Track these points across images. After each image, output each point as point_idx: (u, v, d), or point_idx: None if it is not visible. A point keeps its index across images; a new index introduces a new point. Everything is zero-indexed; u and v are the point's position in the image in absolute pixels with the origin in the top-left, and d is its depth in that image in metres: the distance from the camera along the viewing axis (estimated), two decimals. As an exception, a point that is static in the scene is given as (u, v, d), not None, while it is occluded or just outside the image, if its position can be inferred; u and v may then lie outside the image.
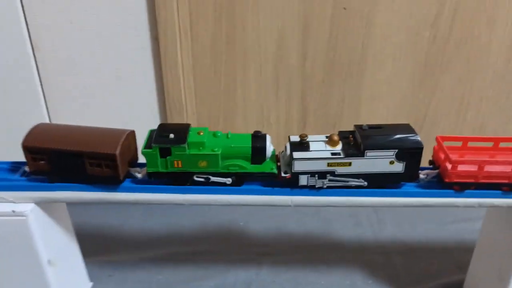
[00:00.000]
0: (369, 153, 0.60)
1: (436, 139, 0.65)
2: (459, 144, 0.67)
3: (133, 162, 0.65)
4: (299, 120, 1.03)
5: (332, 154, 0.61)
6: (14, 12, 0.87)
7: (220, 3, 0.89)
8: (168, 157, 0.60)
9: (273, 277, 0.84)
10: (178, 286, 0.81)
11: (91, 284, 0.82)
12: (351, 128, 0.64)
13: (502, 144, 0.67)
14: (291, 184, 0.62)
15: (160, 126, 0.63)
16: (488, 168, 0.61)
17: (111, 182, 0.62)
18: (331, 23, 0.92)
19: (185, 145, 0.59)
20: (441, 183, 0.63)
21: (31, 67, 0.91)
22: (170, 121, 0.98)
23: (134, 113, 0.98)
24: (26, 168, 0.64)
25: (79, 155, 0.60)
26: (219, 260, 0.87)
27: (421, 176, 0.64)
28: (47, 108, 0.97)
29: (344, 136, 0.63)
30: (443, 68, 0.97)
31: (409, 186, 0.64)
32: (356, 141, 0.62)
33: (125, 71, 0.94)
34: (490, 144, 0.67)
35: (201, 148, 0.60)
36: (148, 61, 0.93)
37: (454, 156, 0.61)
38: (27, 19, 0.88)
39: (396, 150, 0.59)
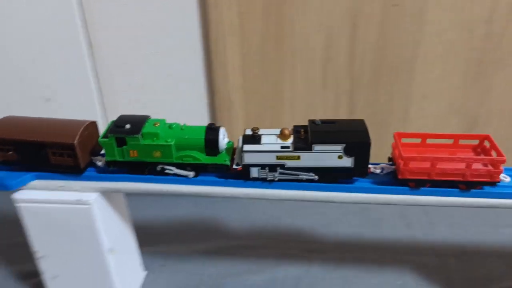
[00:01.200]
0: (316, 147, 0.60)
1: (394, 135, 0.65)
2: (418, 141, 0.66)
3: (96, 152, 0.68)
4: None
5: (282, 147, 0.61)
6: (72, 10, 0.91)
7: (269, 2, 0.90)
8: (124, 147, 0.63)
9: (323, 274, 0.83)
10: (230, 279, 0.82)
11: (145, 273, 0.84)
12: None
13: (462, 142, 0.65)
14: (243, 176, 0.63)
15: (119, 117, 0.66)
16: (442, 165, 0.60)
17: (73, 171, 0.66)
18: (381, 21, 0.91)
19: (139, 136, 0.62)
20: (396, 180, 0.63)
21: (86, 65, 0.96)
22: (219, 118, 0.99)
23: (185, 110, 1.00)
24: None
25: (42, 146, 0.64)
26: (268, 255, 0.87)
27: (376, 170, 0.64)
28: (103, 104, 1.01)
29: (297, 130, 0.64)
30: (497, 66, 0.95)
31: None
32: (306, 135, 0.62)
33: (177, 69, 0.97)
34: (450, 141, 0.66)
35: (155, 138, 0.63)
36: (199, 60, 0.96)
37: (406, 153, 0.61)
38: (86, 17, 0.92)
39: (344, 145, 0.60)
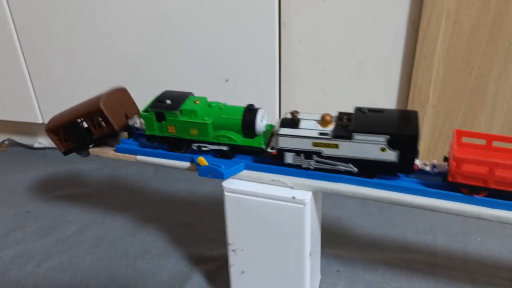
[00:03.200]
0: (357, 136, 0.55)
1: (453, 133, 0.57)
2: (483, 142, 0.57)
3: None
4: None
5: (320, 134, 0.58)
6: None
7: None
8: (163, 122, 0.63)
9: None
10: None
11: (319, 277, 0.77)
12: None
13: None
14: (278, 161, 0.60)
15: (163, 92, 0.66)
16: (502, 173, 0.51)
17: (112, 137, 0.69)
18: None
19: (177, 112, 0.62)
20: (446, 182, 0.55)
21: (273, 47, 0.90)
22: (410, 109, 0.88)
23: (368, 102, 0.90)
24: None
25: (78, 122, 0.68)
26: (460, 278, 0.76)
27: (426, 168, 0.58)
28: (279, 88, 0.95)
29: (340, 117, 0.59)
30: None
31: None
32: (349, 123, 0.57)
33: (369, 56, 0.87)
34: None
35: (193, 116, 0.62)
36: (398, 47, 0.85)
37: (460, 153, 0.54)
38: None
39: (388, 136, 0.54)
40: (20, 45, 1.07)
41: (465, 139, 0.58)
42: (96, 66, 1.04)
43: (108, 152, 0.70)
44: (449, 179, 0.54)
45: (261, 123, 0.61)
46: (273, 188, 0.60)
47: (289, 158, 0.60)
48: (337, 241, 0.86)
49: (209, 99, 0.66)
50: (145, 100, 0.68)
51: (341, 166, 0.58)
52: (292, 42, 0.89)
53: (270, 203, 0.60)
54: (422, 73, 0.84)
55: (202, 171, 0.62)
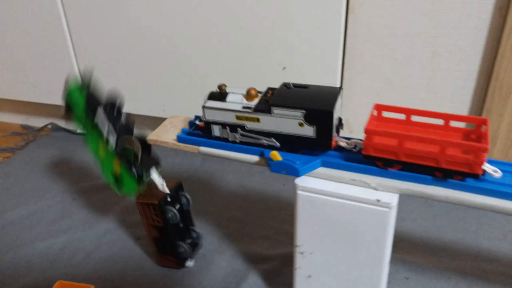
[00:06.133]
0: (276, 110, 0.56)
1: (373, 106, 0.57)
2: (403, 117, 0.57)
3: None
4: None
5: (243, 107, 0.58)
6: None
7: None
8: None
9: None
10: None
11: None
12: None
13: (453, 124, 0.55)
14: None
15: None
16: (411, 145, 0.52)
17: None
18: None
19: None
20: (362, 156, 0.55)
21: (338, 33, 0.83)
22: (489, 105, 0.81)
23: (444, 92, 0.84)
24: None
25: None
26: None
27: (342, 144, 0.58)
28: (342, 77, 0.89)
29: (266, 92, 0.60)
30: None
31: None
32: (272, 98, 0.58)
33: (447, 45, 0.80)
34: (440, 122, 0.56)
35: None
36: (480, 36, 0.78)
37: (371, 126, 0.53)
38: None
39: (304, 111, 0.55)
40: (69, 28, 1.03)
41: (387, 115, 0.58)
42: (147, 54, 1.00)
43: (168, 141, 0.66)
44: (363, 152, 0.55)
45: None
46: (354, 189, 0.55)
47: (216, 130, 0.61)
48: (402, 244, 0.80)
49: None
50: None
51: (264, 140, 0.59)
52: (360, 28, 0.83)
53: (350, 204, 0.55)
54: (507, 66, 0.76)
55: (275, 167, 0.56)
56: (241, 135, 0.60)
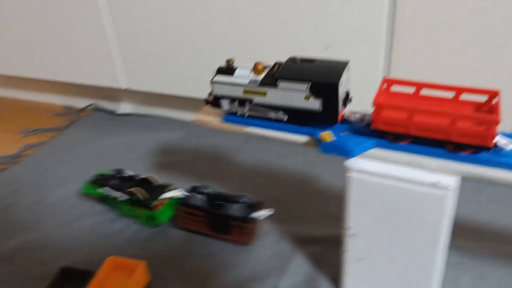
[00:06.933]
0: (281, 84, 0.57)
1: (381, 81, 0.56)
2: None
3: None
4: None
5: (250, 81, 0.59)
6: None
7: None
8: None
9: None
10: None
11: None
12: None
13: (464, 96, 0.54)
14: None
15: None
16: (421, 119, 0.51)
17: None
18: None
19: None
20: (371, 130, 0.54)
21: (382, 8, 0.80)
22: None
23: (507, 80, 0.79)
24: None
25: None
26: None
27: (350, 117, 0.58)
28: (390, 58, 0.85)
29: (273, 67, 0.60)
30: None
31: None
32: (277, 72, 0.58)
33: (503, 29, 0.74)
34: (451, 95, 0.54)
35: None
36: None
37: (379, 99, 0.53)
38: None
39: (309, 84, 0.55)
40: (110, 10, 1.03)
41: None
42: (184, 31, 0.99)
43: (213, 121, 0.65)
44: (372, 126, 0.54)
45: None
46: (409, 171, 0.52)
47: (225, 105, 0.62)
48: (454, 228, 0.77)
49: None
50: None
51: (272, 114, 0.59)
52: (410, 3, 0.78)
53: (405, 187, 0.52)
54: None
55: (326, 148, 0.55)
56: (249, 109, 0.60)
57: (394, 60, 0.84)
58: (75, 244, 0.79)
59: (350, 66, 0.58)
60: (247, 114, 0.61)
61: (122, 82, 1.14)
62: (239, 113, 0.62)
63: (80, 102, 1.30)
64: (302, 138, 0.59)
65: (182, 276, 0.72)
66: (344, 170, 0.55)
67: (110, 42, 1.08)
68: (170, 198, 0.80)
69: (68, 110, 1.30)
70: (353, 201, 0.57)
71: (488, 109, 0.53)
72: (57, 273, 0.71)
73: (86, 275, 0.69)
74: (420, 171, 0.52)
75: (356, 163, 0.54)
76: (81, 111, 1.28)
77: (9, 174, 1.00)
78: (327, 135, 0.55)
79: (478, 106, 0.54)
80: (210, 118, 0.66)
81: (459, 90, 0.54)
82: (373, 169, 0.53)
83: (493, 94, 0.52)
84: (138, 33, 1.04)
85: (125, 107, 1.26)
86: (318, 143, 0.56)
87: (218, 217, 0.75)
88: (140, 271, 0.68)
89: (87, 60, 1.14)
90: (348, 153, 0.54)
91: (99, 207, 0.87)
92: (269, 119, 0.60)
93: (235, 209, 0.75)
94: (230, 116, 0.63)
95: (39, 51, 1.18)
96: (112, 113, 1.24)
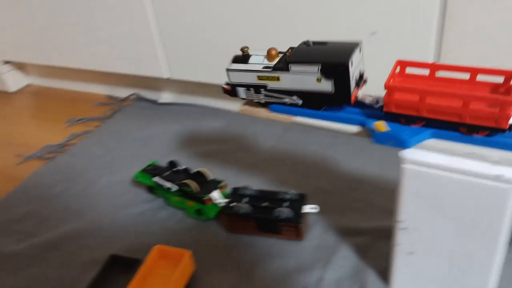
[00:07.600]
0: (293, 67, 0.56)
1: (395, 63, 0.55)
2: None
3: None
4: None
5: (263, 67, 0.59)
6: None
7: None
8: None
9: None
10: None
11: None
12: None
13: (480, 78, 0.52)
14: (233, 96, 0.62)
15: None
16: (433, 101, 0.50)
17: None
18: None
19: None
20: (383, 113, 0.53)
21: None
22: None
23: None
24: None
25: None
26: None
27: (364, 100, 0.57)
28: (441, 39, 0.81)
29: (286, 52, 0.60)
30: None
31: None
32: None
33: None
34: (466, 77, 0.52)
35: None
36: None
37: (391, 81, 0.53)
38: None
39: (319, 65, 0.54)
40: (153, 2, 1.04)
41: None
42: (225, 21, 0.98)
43: (260, 111, 0.64)
44: (384, 109, 0.53)
45: None
46: (469, 163, 0.50)
47: (241, 93, 0.62)
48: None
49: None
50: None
51: (287, 99, 0.59)
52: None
53: (466, 180, 0.50)
54: None
55: (380, 138, 0.53)
56: (265, 95, 0.60)
57: (444, 47, 0.81)
58: (121, 231, 0.80)
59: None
60: (263, 101, 0.61)
61: (164, 72, 1.15)
62: (255, 100, 0.62)
63: (122, 92, 1.33)
64: (352, 128, 0.57)
65: (227, 266, 0.72)
66: (391, 161, 0.54)
67: (153, 32, 1.09)
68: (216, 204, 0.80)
69: (112, 100, 1.32)
70: (406, 193, 0.54)
71: (505, 90, 0.51)
72: (106, 261, 0.72)
73: (134, 263, 0.70)
74: (481, 163, 0.49)
75: (411, 153, 0.52)
76: (123, 101, 1.30)
77: (57, 163, 1.03)
78: (382, 125, 0.53)
79: (494, 87, 0.52)
80: (257, 108, 0.65)
81: (474, 71, 0.52)
82: (431, 161, 0.51)
83: (510, 75, 0.50)
84: (180, 23, 1.04)
85: (166, 97, 1.28)
86: (371, 133, 0.54)
87: (266, 221, 0.74)
88: (186, 260, 0.69)
89: (130, 50, 1.15)
90: (403, 144, 0.52)
91: (145, 196, 0.88)
92: (284, 104, 0.60)
93: (282, 211, 0.73)
94: (277, 106, 0.62)
95: (84, 43, 1.20)
96: (154, 102, 1.26)
